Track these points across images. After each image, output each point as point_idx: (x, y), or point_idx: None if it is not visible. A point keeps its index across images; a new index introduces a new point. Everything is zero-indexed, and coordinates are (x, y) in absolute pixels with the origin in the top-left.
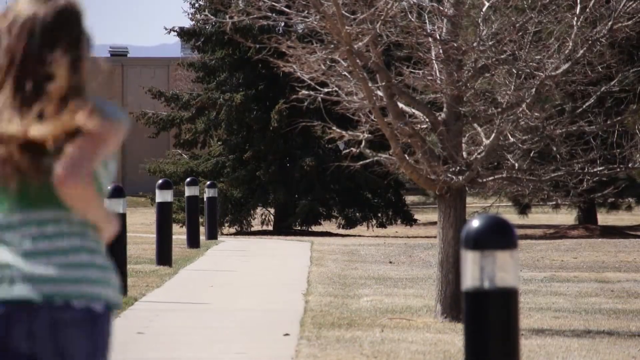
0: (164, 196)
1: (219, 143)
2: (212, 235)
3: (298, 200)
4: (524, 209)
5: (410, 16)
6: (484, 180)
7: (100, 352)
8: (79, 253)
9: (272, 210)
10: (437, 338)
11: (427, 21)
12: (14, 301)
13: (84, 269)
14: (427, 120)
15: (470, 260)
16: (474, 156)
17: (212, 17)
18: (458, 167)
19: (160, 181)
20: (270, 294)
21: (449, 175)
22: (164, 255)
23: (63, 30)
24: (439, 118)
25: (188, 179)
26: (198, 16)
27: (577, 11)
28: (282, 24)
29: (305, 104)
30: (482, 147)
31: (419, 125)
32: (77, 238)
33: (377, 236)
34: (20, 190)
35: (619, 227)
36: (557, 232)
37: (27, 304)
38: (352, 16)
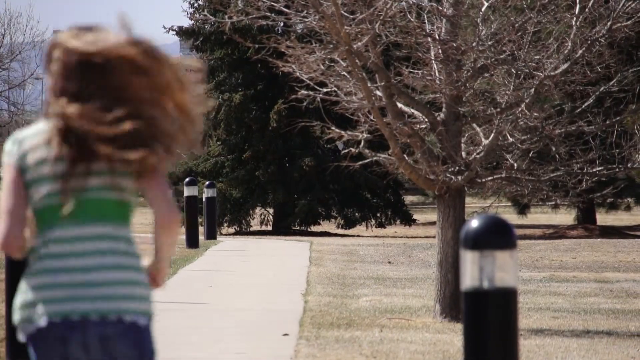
0: None
1: (218, 143)
2: (211, 235)
3: (297, 200)
4: (523, 209)
5: (409, 16)
6: (483, 180)
7: (146, 353)
8: (129, 270)
9: (271, 210)
10: (436, 338)
11: (426, 21)
12: (71, 315)
13: (132, 286)
14: (426, 120)
15: (469, 260)
16: (473, 156)
17: (211, 16)
18: (457, 167)
19: None
20: (270, 294)
21: (448, 175)
22: None
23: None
24: (438, 118)
25: (187, 179)
26: (197, 16)
27: (576, 11)
28: (281, 23)
29: (305, 104)
30: (481, 147)
31: (418, 125)
32: (126, 255)
33: (376, 236)
34: (76, 206)
35: (618, 227)
36: (556, 232)
37: (84, 317)
38: (351, 16)
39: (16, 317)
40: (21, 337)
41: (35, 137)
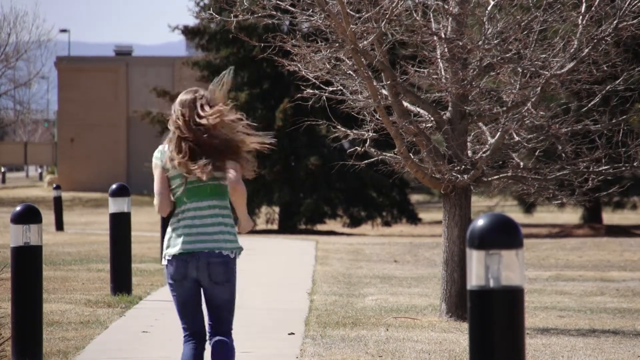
0: None
1: None
2: None
3: (303, 199)
4: (529, 208)
5: (415, 15)
6: (489, 179)
7: (231, 279)
8: (226, 225)
9: (277, 209)
10: (442, 337)
11: (432, 20)
12: (192, 251)
13: (226, 234)
14: (432, 119)
15: (475, 259)
16: (479, 155)
17: (216, 15)
18: (463, 166)
19: None
20: (275, 293)
21: (454, 174)
22: None
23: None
24: (444, 117)
25: None
26: (202, 14)
27: (583, 10)
28: (287, 22)
29: (310, 102)
30: (487, 145)
31: (424, 124)
32: (225, 217)
33: (381, 235)
34: (204, 190)
35: (624, 226)
36: (562, 231)
37: (198, 251)
38: (357, 15)
39: (164, 248)
40: (163, 261)
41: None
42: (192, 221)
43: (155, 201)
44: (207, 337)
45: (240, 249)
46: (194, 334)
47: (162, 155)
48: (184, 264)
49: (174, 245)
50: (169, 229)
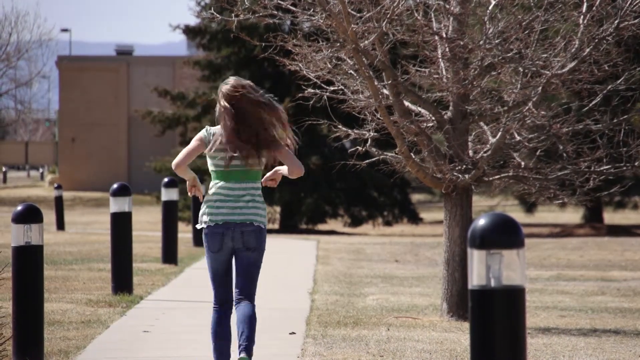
0: (169, 194)
1: None
2: None
3: (304, 199)
4: (530, 208)
5: (416, 14)
6: (490, 178)
7: (263, 244)
8: (257, 202)
9: (278, 209)
10: (443, 337)
11: (433, 19)
12: (229, 222)
13: (257, 209)
14: (433, 118)
15: (476, 259)
16: (480, 155)
17: (217, 15)
18: (464, 166)
19: (166, 179)
20: (276, 292)
21: (455, 173)
22: (170, 254)
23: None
24: (445, 116)
25: None
26: (204, 14)
27: (584, 9)
28: (288, 22)
29: (311, 102)
30: (488, 145)
31: (425, 124)
32: (256, 196)
33: (382, 235)
34: (239, 174)
35: (626, 225)
36: (564, 231)
37: (234, 223)
38: (358, 14)
39: (201, 219)
40: (199, 227)
41: (216, 132)
42: (227, 197)
43: (177, 159)
44: (234, 304)
45: (263, 222)
46: (222, 303)
47: (209, 134)
48: (220, 237)
49: (210, 214)
50: (206, 198)
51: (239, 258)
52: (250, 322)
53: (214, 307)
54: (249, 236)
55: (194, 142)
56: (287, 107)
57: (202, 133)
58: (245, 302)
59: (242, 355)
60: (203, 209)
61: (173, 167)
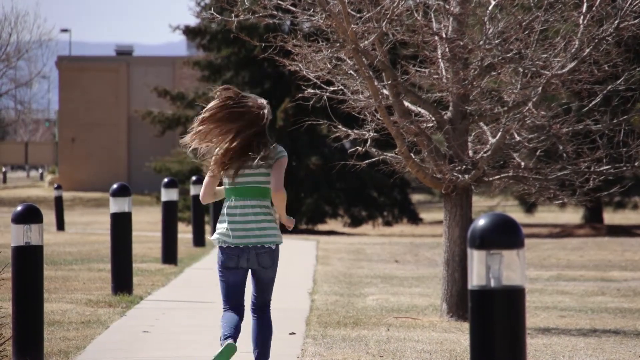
0: (169, 195)
1: None
2: None
3: (303, 199)
4: (530, 208)
5: (416, 15)
6: (490, 179)
7: (275, 263)
8: (269, 222)
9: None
10: (443, 337)
11: (433, 20)
12: (242, 245)
13: (269, 230)
14: (433, 118)
15: (476, 259)
16: (480, 155)
17: (217, 15)
18: (464, 166)
19: (165, 180)
20: (276, 292)
21: (455, 174)
22: (170, 254)
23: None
24: (445, 117)
25: (194, 178)
26: (204, 14)
27: (584, 10)
28: (288, 22)
29: (311, 102)
30: (488, 145)
31: (425, 124)
32: (266, 215)
33: (382, 235)
34: (246, 190)
35: (625, 226)
36: (564, 231)
37: (248, 246)
38: (358, 15)
39: (215, 237)
40: (215, 242)
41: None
42: (241, 217)
43: (200, 194)
44: (251, 306)
45: (280, 242)
46: (233, 307)
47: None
48: (236, 258)
49: (227, 235)
50: (221, 214)
51: (256, 274)
52: (266, 339)
53: (224, 308)
54: (263, 257)
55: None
56: (287, 107)
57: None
58: (262, 313)
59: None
60: (219, 225)
61: (200, 198)
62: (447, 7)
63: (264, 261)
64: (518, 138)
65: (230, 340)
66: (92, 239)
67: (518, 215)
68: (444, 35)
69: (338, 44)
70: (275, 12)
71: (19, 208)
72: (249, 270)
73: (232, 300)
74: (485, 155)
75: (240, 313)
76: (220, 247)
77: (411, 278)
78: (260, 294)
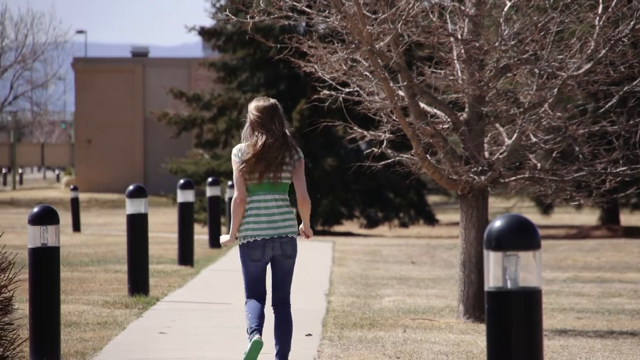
0: (185, 196)
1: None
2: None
3: (320, 200)
4: (546, 209)
5: (431, 16)
6: (506, 180)
7: (295, 251)
8: (289, 214)
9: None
10: (459, 338)
11: (448, 21)
12: (268, 236)
13: (290, 221)
14: (449, 120)
15: (492, 261)
16: (496, 156)
17: (233, 16)
18: (480, 167)
19: (181, 181)
20: (293, 293)
21: (471, 175)
22: (186, 255)
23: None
24: (461, 118)
25: (210, 179)
26: (219, 15)
27: (599, 11)
28: (304, 23)
29: (327, 104)
30: (504, 147)
31: (440, 125)
32: (287, 207)
33: (398, 236)
34: (268, 187)
35: None
36: (580, 233)
37: (273, 237)
38: (374, 16)
39: (238, 233)
40: (239, 242)
41: (247, 148)
42: (260, 210)
43: (236, 195)
44: (272, 303)
45: (298, 232)
46: (255, 296)
47: (241, 151)
48: (262, 248)
49: (253, 230)
50: (246, 214)
51: (277, 265)
52: (287, 334)
53: (247, 298)
54: (286, 245)
55: (234, 167)
56: (303, 108)
57: (233, 156)
58: (283, 308)
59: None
60: (243, 222)
61: (238, 199)
62: (463, 8)
63: (287, 249)
64: (534, 139)
65: (256, 336)
66: (108, 240)
67: (534, 217)
68: (460, 37)
69: (353, 46)
70: (291, 14)
71: (35, 209)
72: (269, 263)
73: (255, 290)
74: (501, 156)
75: (262, 300)
76: (248, 242)
77: (427, 279)
78: (281, 287)
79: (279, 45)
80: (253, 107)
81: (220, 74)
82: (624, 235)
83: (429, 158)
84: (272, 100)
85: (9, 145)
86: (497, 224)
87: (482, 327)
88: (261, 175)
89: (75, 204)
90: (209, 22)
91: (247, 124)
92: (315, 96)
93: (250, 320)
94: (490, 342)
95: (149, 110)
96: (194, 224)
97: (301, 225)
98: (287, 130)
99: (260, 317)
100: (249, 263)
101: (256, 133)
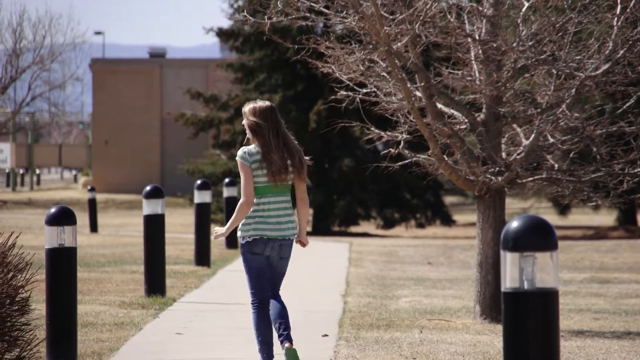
0: (202, 197)
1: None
2: None
3: (336, 201)
4: (563, 210)
5: (449, 16)
6: (524, 180)
7: (291, 252)
8: (291, 216)
9: (311, 211)
10: (476, 339)
11: (466, 21)
12: (271, 237)
13: (291, 224)
14: (466, 120)
15: (509, 261)
16: (514, 157)
17: (250, 17)
18: (497, 168)
19: (198, 182)
20: (309, 294)
21: (488, 176)
22: (203, 256)
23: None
24: (478, 119)
25: (226, 180)
26: (237, 16)
27: (618, 11)
28: (321, 24)
29: (344, 104)
30: (521, 147)
31: (457, 126)
32: (291, 209)
33: (415, 237)
34: (277, 189)
35: None
36: (597, 233)
37: (277, 238)
38: (391, 16)
39: (241, 233)
40: (241, 241)
41: (254, 151)
42: (269, 212)
43: (246, 194)
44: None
45: (296, 233)
46: (261, 301)
47: (249, 154)
48: (263, 245)
49: (256, 229)
50: (250, 214)
51: (273, 266)
52: (284, 315)
53: (254, 306)
54: (285, 248)
55: (244, 170)
56: (320, 109)
57: (240, 159)
58: (275, 300)
59: (287, 344)
60: (248, 222)
61: (246, 203)
62: (480, 9)
63: (285, 251)
64: (551, 140)
65: (287, 344)
66: (125, 241)
67: (551, 217)
68: (477, 37)
69: (371, 46)
70: (308, 14)
71: (52, 210)
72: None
73: (259, 289)
74: (518, 157)
75: (267, 307)
76: (247, 240)
77: (444, 280)
78: (274, 286)
79: (296, 46)
80: (249, 110)
81: (237, 74)
82: None
83: (446, 159)
84: (268, 102)
85: (27, 146)
86: (514, 224)
87: (499, 328)
88: (273, 176)
89: (92, 205)
90: (226, 23)
91: (247, 129)
92: (333, 97)
93: (261, 349)
94: (507, 343)
95: (167, 111)
96: (211, 224)
97: (296, 231)
98: (288, 132)
99: (270, 345)
100: (251, 257)
101: (260, 135)
